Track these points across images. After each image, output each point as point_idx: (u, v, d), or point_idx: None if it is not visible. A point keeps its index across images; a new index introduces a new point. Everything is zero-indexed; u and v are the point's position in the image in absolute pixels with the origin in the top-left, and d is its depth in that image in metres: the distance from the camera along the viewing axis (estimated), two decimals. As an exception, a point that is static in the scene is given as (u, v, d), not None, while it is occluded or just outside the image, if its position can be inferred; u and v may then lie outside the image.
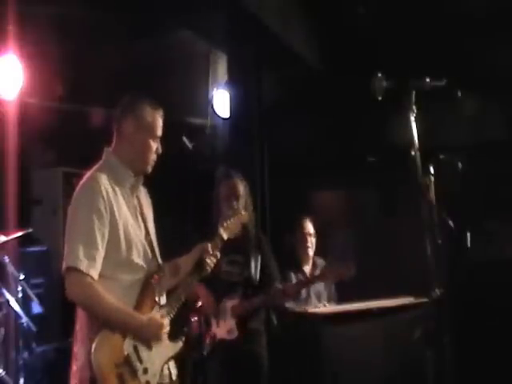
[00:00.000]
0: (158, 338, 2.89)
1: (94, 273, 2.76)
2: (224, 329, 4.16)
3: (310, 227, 5.23)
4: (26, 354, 5.23)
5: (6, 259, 5.13)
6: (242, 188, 4.31)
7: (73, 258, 2.75)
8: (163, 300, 3.03)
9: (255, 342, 4.29)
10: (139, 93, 3.04)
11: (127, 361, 2.78)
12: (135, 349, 2.82)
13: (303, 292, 5.13)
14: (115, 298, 2.80)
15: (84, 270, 2.73)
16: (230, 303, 4.19)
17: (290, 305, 5.03)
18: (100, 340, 2.75)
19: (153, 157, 3.01)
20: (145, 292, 2.93)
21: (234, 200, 4.26)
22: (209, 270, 3.22)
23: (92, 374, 2.73)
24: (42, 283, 5.82)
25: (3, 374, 4.73)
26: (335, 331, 4.37)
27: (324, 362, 4.34)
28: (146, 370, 2.84)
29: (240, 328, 4.18)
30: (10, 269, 5.18)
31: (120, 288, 2.86)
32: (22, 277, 5.27)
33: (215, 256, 3.23)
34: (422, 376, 3.04)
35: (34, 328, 5.16)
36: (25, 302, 5.31)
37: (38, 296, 5.38)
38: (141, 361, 2.83)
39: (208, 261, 3.19)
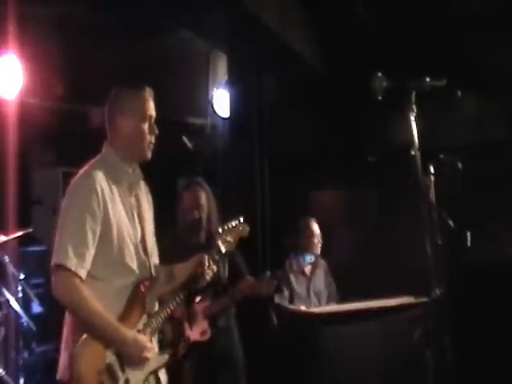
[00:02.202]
0: (140, 362, 2.76)
1: (83, 272, 2.69)
2: (197, 331, 4.17)
3: (316, 228, 5.24)
4: (25, 354, 5.24)
5: (6, 259, 5.14)
6: (203, 197, 4.32)
7: (62, 256, 2.67)
8: (155, 307, 2.94)
9: (226, 339, 4.31)
10: (123, 83, 2.97)
11: (109, 369, 2.69)
12: (118, 357, 2.73)
13: (304, 291, 5.14)
14: (104, 302, 2.71)
15: (73, 269, 2.65)
16: (201, 305, 4.20)
17: (280, 299, 5.03)
18: (83, 344, 2.67)
19: (149, 139, 2.91)
20: (134, 299, 2.83)
21: (196, 210, 4.28)
22: (203, 284, 3.11)
23: (71, 378, 2.66)
24: (42, 283, 5.82)
25: (3, 373, 4.73)
26: (335, 331, 4.37)
27: (324, 362, 4.34)
28: (127, 381, 2.74)
29: (211, 327, 4.20)
30: (10, 269, 5.18)
31: (110, 291, 2.78)
32: (22, 277, 5.28)
33: (211, 270, 3.09)
34: (422, 376, 3.04)
35: (34, 328, 5.16)
36: (25, 302, 5.31)
37: (38, 296, 5.38)
38: (123, 370, 2.73)
39: (203, 275, 3.05)
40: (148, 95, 2.93)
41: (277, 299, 4.99)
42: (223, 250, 3.19)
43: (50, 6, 5.49)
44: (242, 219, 3.36)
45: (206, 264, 3.05)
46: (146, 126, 2.90)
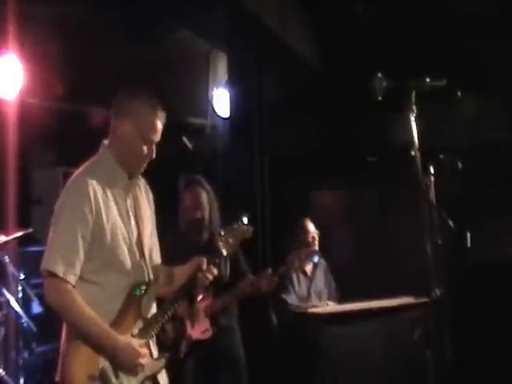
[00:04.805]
0: (132, 368, 2.69)
1: (72, 278, 2.67)
2: (199, 329, 4.18)
3: (312, 227, 5.24)
4: (25, 354, 5.24)
5: (6, 259, 5.13)
6: (204, 196, 4.33)
7: (51, 262, 2.66)
8: (152, 310, 2.88)
9: (228, 338, 4.32)
10: (138, 88, 2.86)
11: (102, 375, 2.65)
12: (112, 362, 2.68)
13: (305, 292, 5.14)
14: (97, 306, 2.68)
15: (61, 275, 2.64)
16: (202, 304, 4.21)
17: (290, 299, 5.03)
18: (75, 348, 2.65)
19: (143, 162, 2.84)
20: (129, 302, 2.78)
21: (198, 210, 4.31)
22: (201, 286, 3.06)
23: (62, 383, 2.64)
24: (41, 283, 5.82)
25: (3, 374, 4.73)
26: (335, 331, 4.37)
27: (324, 362, 4.34)
28: None
29: (212, 326, 4.21)
30: (10, 269, 5.18)
31: (103, 295, 2.74)
32: (22, 277, 5.28)
33: (211, 273, 3.00)
34: (422, 376, 3.04)
35: (34, 328, 5.16)
36: (25, 302, 5.31)
37: (38, 296, 5.37)
38: (117, 376, 2.68)
39: (201, 278, 2.97)
40: (160, 120, 2.82)
41: (284, 296, 5.00)
42: (224, 252, 3.12)
43: (50, 5, 5.48)
44: (245, 220, 3.26)
45: (205, 267, 2.97)
46: (144, 148, 2.81)
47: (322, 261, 5.34)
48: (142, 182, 2.99)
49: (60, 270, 2.64)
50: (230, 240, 3.16)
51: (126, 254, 2.79)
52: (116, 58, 6.05)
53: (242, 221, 3.27)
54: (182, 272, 3.01)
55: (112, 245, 2.75)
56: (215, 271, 3.04)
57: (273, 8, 5.93)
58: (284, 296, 5.01)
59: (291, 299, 5.05)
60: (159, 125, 2.83)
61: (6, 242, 5.01)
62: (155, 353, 2.87)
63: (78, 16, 5.65)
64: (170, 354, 2.98)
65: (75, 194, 2.74)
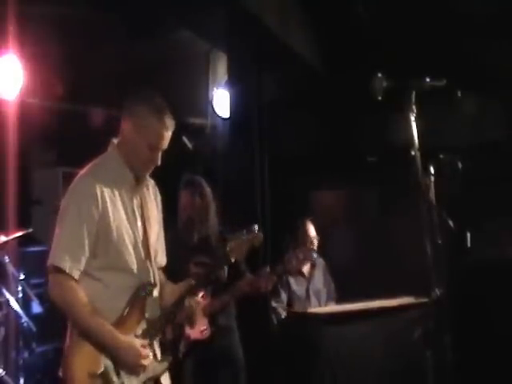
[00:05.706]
0: (134, 368, 2.70)
1: (77, 274, 2.69)
2: (197, 329, 4.18)
3: (312, 229, 5.24)
4: (25, 354, 5.24)
5: (6, 259, 5.14)
6: (197, 198, 4.36)
7: (57, 258, 2.69)
8: (157, 312, 2.88)
9: (226, 338, 4.33)
10: (149, 93, 2.85)
11: (103, 373, 2.66)
12: (113, 361, 2.69)
13: (303, 292, 5.14)
14: (101, 304, 2.70)
15: (67, 271, 2.67)
16: (201, 303, 4.21)
17: (279, 303, 5.03)
18: (78, 345, 2.67)
19: (147, 166, 2.84)
20: (134, 302, 2.79)
21: (188, 212, 4.35)
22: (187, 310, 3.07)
23: (65, 380, 2.65)
24: (41, 283, 5.82)
25: (3, 374, 4.73)
26: (335, 331, 4.37)
27: (324, 362, 4.33)
28: None
29: (210, 326, 4.22)
30: (10, 269, 5.18)
31: (106, 292, 2.75)
32: (22, 277, 5.28)
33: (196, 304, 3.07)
34: (422, 376, 3.04)
35: (33, 328, 5.16)
36: (25, 302, 5.32)
37: (38, 296, 5.38)
38: (118, 375, 2.69)
39: (188, 303, 3.01)
40: (165, 129, 2.79)
41: (273, 303, 4.99)
42: (232, 259, 3.08)
43: (50, 5, 5.48)
44: (256, 227, 3.23)
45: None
46: (150, 153, 2.81)
47: (321, 260, 5.33)
48: (150, 183, 3.01)
49: (66, 266, 2.67)
50: (239, 246, 3.12)
51: (131, 253, 2.80)
52: (116, 58, 6.05)
53: (252, 228, 3.23)
54: (171, 292, 3.00)
55: (117, 243, 2.76)
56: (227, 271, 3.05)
57: (273, 8, 5.93)
58: (273, 301, 4.98)
59: (278, 303, 5.02)
60: (166, 133, 2.81)
61: (5, 242, 5.01)
62: (159, 355, 2.88)
63: (78, 16, 5.65)
64: (172, 356, 2.98)
65: (82, 191, 2.75)
